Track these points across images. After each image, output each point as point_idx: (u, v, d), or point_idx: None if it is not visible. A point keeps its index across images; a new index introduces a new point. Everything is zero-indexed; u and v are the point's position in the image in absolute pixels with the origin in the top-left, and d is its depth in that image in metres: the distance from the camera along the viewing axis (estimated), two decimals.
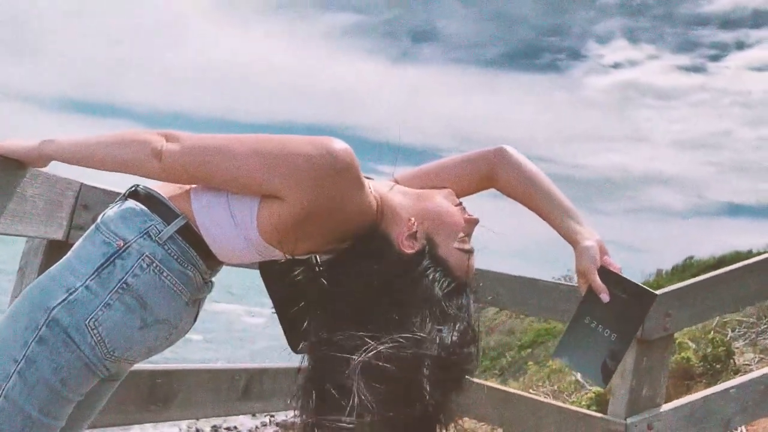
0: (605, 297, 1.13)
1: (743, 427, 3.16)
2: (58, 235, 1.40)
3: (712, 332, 5.28)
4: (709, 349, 4.75)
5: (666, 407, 2.00)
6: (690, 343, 5.01)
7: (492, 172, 1.29)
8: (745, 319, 5.78)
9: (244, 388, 1.82)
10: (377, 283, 1.05)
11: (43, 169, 1.25)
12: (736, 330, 5.61)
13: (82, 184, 1.45)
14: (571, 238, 1.20)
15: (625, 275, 1.16)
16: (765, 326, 5.50)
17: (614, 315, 1.13)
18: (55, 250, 1.40)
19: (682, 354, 4.67)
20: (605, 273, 1.16)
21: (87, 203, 1.45)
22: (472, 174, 1.30)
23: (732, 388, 2.07)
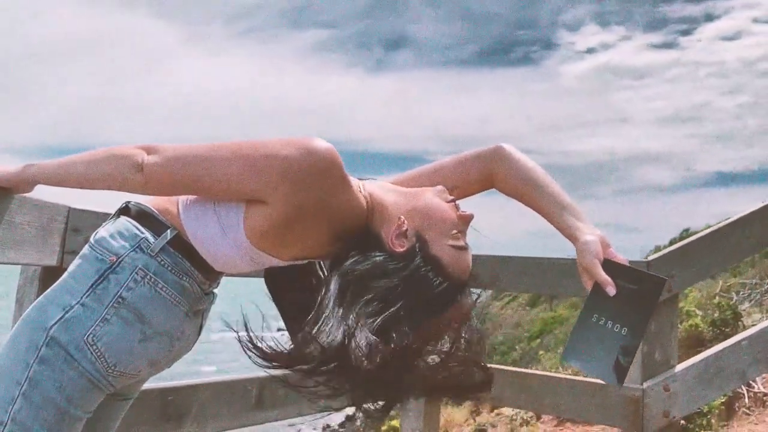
0: (611, 290, 1.07)
1: (759, 378, 3.15)
2: (52, 261, 1.39)
3: (717, 297, 5.28)
4: (716, 314, 4.74)
5: (680, 367, 2.00)
6: (697, 311, 5.00)
7: (490, 172, 1.25)
8: (748, 281, 5.80)
9: (258, 396, 1.80)
10: (369, 284, 1.02)
11: (29, 195, 1.24)
12: (741, 293, 5.61)
13: (70, 208, 1.44)
14: (571, 235, 1.15)
15: (630, 265, 1.10)
16: None
17: (623, 308, 1.07)
18: (50, 276, 1.39)
19: (690, 321, 4.66)
20: (609, 265, 1.09)
21: (77, 227, 1.44)
22: (470, 175, 1.26)
23: (743, 340, 2.06)
